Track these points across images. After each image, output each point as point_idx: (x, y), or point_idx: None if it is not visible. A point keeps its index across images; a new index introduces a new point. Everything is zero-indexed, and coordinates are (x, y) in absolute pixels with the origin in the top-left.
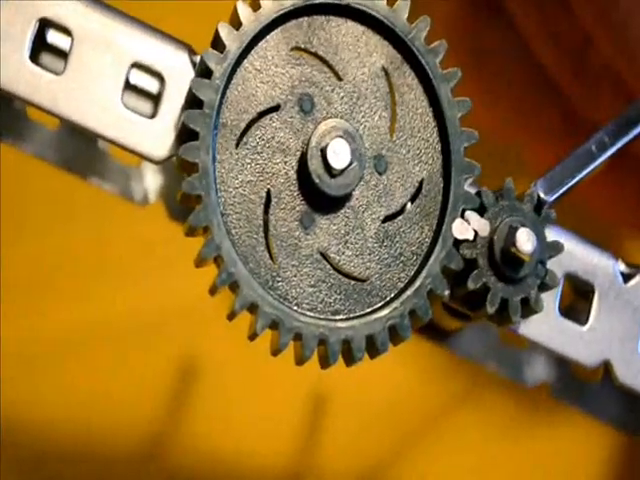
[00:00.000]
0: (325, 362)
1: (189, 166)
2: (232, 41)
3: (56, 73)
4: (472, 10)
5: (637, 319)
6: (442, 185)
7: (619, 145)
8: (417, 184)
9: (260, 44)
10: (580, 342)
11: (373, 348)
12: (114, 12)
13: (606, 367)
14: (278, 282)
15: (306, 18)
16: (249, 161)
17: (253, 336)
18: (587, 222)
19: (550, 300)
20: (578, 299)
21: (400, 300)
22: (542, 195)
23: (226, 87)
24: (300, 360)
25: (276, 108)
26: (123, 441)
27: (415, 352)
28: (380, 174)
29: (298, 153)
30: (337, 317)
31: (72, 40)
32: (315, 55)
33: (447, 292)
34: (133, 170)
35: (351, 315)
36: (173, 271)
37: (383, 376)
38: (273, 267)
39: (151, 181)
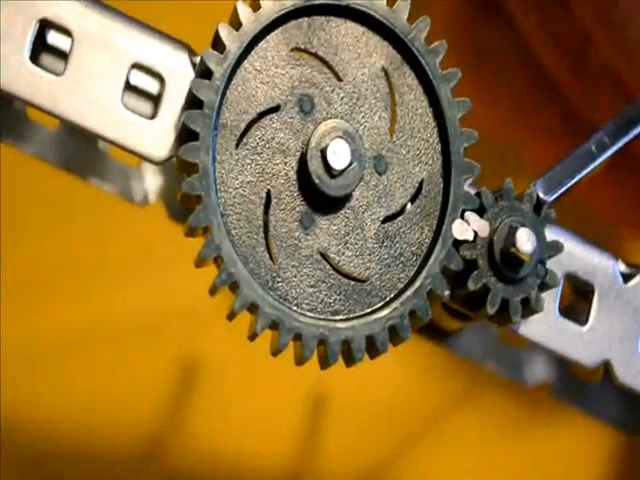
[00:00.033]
0: (325, 362)
1: (189, 166)
2: (232, 41)
3: (56, 74)
4: (471, 10)
5: (637, 319)
6: (442, 185)
7: (619, 145)
8: (417, 184)
9: (260, 45)
10: (580, 342)
11: (373, 348)
12: (114, 13)
13: (606, 367)
14: (278, 282)
15: (306, 19)
16: (249, 161)
17: (253, 336)
18: (587, 222)
19: (550, 300)
20: (578, 299)
21: (400, 300)
22: (541, 195)
23: (226, 88)
24: (300, 360)
25: (276, 109)
26: (123, 441)
27: (415, 352)
28: (380, 174)
29: (298, 154)
30: (337, 317)
31: (72, 41)
32: (315, 56)
33: (447, 292)
34: (133, 171)
35: (351, 315)
36: (173, 271)
37: (383, 376)
38: (273, 267)
39: (151, 182)
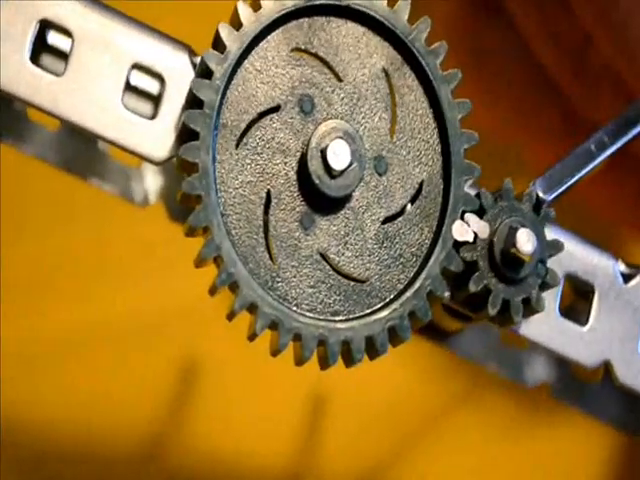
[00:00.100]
0: (324, 363)
1: (189, 166)
2: (232, 41)
3: (56, 74)
4: (472, 10)
5: (637, 319)
6: (442, 186)
7: (618, 145)
8: (417, 185)
9: (261, 45)
10: (580, 342)
11: (372, 349)
12: (115, 13)
13: (606, 367)
14: (278, 282)
15: (307, 19)
16: (249, 161)
17: (253, 336)
18: (587, 222)
19: (550, 300)
20: (578, 299)
21: (400, 301)
22: (541, 194)
23: (226, 87)
24: (300, 361)
25: (276, 109)
26: (123, 441)
27: (415, 353)
28: (380, 175)
29: (298, 154)
30: (337, 318)
31: (72, 41)
32: (315, 56)
33: (447, 293)
34: (133, 171)
35: (351, 316)
36: (173, 272)
37: (383, 377)
38: (273, 268)
39: (151, 182)
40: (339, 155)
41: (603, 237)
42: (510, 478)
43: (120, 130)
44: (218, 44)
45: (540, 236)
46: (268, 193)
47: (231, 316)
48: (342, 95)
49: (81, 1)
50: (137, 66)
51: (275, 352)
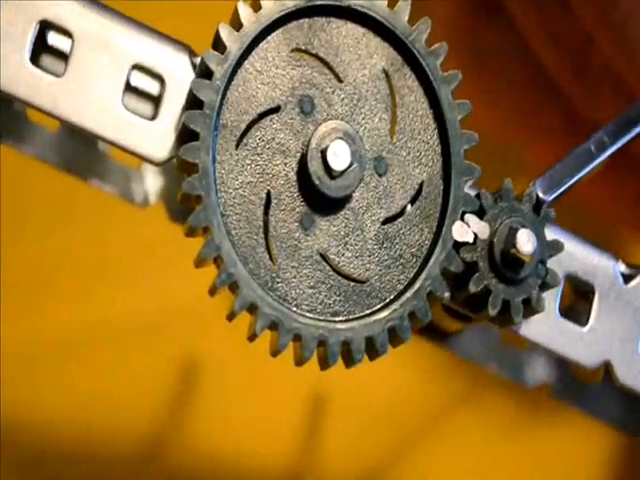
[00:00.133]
0: (324, 363)
1: (189, 166)
2: (233, 42)
3: (56, 75)
4: (472, 10)
5: (637, 320)
6: (442, 187)
7: (619, 145)
8: (417, 186)
9: (261, 45)
10: (580, 343)
11: (372, 349)
12: (115, 14)
13: (606, 368)
14: (278, 283)
15: (307, 19)
16: (249, 162)
17: (253, 337)
18: (587, 222)
19: (550, 301)
20: (578, 300)
21: (400, 302)
22: (541, 195)
23: (226, 88)
24: (300, 361)
25: (276, 109)
26: (123, 441)
27: (415, 353)
28: (380, 176)
29: (298, 154)
30: (337, 318)
31: (73, 42)
32: (316, 57)
33: (447, 294)
34: (133, 172)
35: (350, 316)
36: (173, 272)
37: (383, 377)
38: (273, 268)
39: (151, 183)
40: (339, 156)
41: (603, 237)
42: (510, 478)
43: (120, 131)
44: (218, 44)
45: (540, 236)
46: (268, 194)
47: (231, 316)
48: (342, 96)
49: (81, 2)
50: (137, 67)
51: (275, 352)
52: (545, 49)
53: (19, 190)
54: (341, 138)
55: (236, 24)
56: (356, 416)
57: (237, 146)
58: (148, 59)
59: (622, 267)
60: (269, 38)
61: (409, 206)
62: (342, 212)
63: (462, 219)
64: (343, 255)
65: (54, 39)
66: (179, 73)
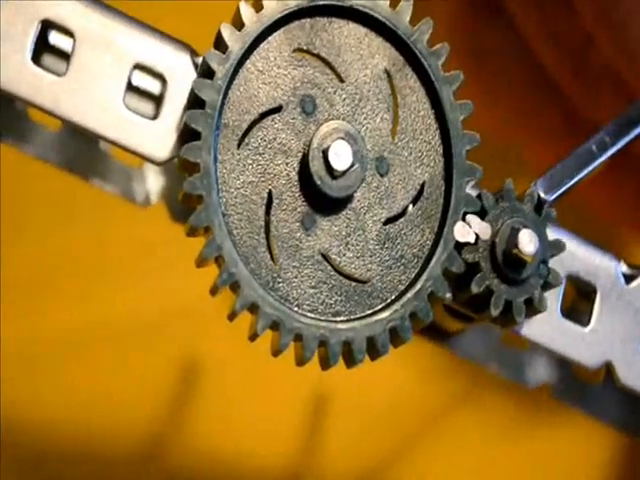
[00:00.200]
0: (326, 363)
1: (191, 166)
2: (234, 42)
3: (58, 74)
4: (472, 10)
5: (639, 320)
6: (443, 188)
7: (619, 145)
8: (418, 186)
9: (262, 45)
10: (582, 343)
11: (374, 350)
12: (116, 13)
13: (608, 368)
14: (279, 283)
15: (309, 19)
16: (251, 162)
17: (254, 337)
18: (588, 223)
19: (552, 301)
20: (580, 300)
21: (401, 302)
22: (542, 194)
23: (228, 87)
24: (301, 361)
25: (278, 109)
26: (123, 441)
27: (415, 353)
28: (382, 176)
29: (300, 154)
30: (338, 318)
31: (74, 41)
32: (317, 56)
33: (448, 294)
34: (135, 171)
35: (352, 317)
36: (173, 272)
37: (383, 377)
38: (274, 268)
39: (153, 182)
40: (341, 156)
41: (604, 238)
42: (510, 478)
43: (122, 130)
44: (220, 44)
45: (542, 236)
46: (269, 193)
47: (232, 316)
48: (344, 96)
49: (83, 1)
50: (139, 66)
51: (276, 352)
52: (545, 49)
53: (19, 190)
54: (343, 138)
55: (238, 24)
56: (357, 416)
57: (239, 146)
58: (150, 59)
59: (624, 267)
60: (271, 38)
61: (410, 206)
62: (343, 212)
63: (464, 220)
64: (344, 255)
65: (56, 38)
66: (181, 73)
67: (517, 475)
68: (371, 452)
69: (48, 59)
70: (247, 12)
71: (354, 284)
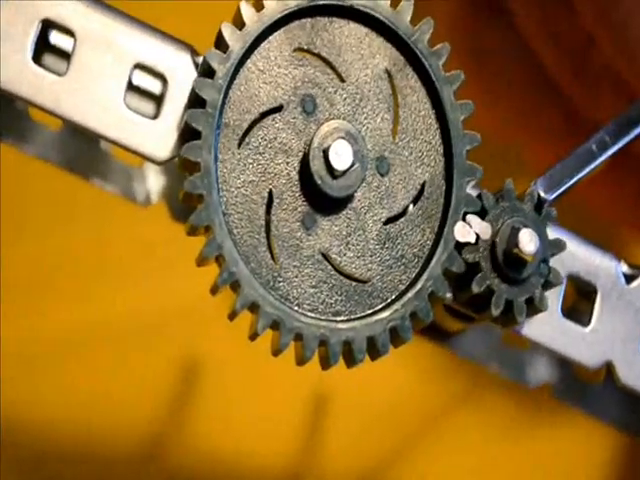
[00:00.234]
0: (326, 363)
1: (191, 165)
2: (235, 41)
3: (59, 74)
4: (472, 10)
5: (639, 320)
6: (444, 187)
7: (620, 145)
8: (419, 186)
9: (263, 45)
10: (582, 343)
11: (374, 349)
12: (117, 13)
13: (608, 368)
14: (279, 282)
15: (309, 19)
16: (251, 161)
17: (254, 336)
18: (588, 223)
19: (553, 301)
20: (580, 300)
21: (401, 302)
22: (542, 194)
23: (229, 87)
24: (301, 361)
25: (279, 109)
26: (123, 441)
27: (416, 353)
28: (382, 176)
29: (300, 154)
30: (338, 318)
31: (75, 41)
32: (318, 56)
33: (449, 294)
34: (135, 171)
35: (352, 316)
36: (173, 271)
37: (384, 377)
38: (274, 267)
39: (153, 182)
40: (341, 155)
41: (604, 238)
42: (510, 478)
43: (122, 130)
44: (221, 43)
45: (542, 236)
46: (270, 193)
47: (232, 316)
48: (344, 95)
49: (83, 1)
50: (139, 66)
51: (276, 352)
52: (545, 49)
53: (19, 190)
54: (343, 138)
55: (239, 23)
56: (357, 416)
57: (239, 145)
58: (150, 58)
59: (624, 267)
60: (271, 37)
61: (411, 206)
62: (344, 212)
63: (464, 219)
64: (345, 255)
65: (56, 38)
66: (181, 72)
67: (518, 475)
68: (371, 452)
69: (49, 59)
70: (248, 12)
71: (354, 284)
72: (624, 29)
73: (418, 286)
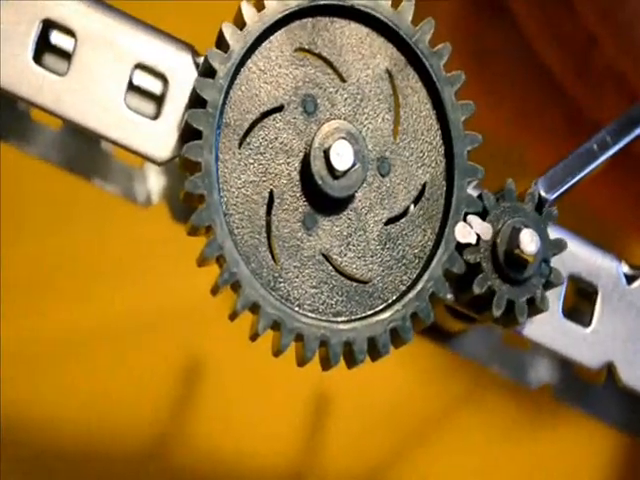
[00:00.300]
0: (326, 364)
1: (192, 165)
2: (236, 41)
3: (59, 74)
4: (474, 10)
5: None
6: (445, 188)
7: (621, 145)
8: (420, 187)
9: (264, 44)
10: (583, 344)
11: (374, 350)
12: (118, 13)
13: (609, 369)
14: (280, 283)
15: (310, 19)
16: (252, 161)
17: (254, 336)
18: (589, 223)
19: (554, 302)
20: (581, 301)
21: (402, 303)
22: (543, 194)
23: (230, 87)
24: (301, 361)
25: (279, 109)
26: (123, 441)
27: (416, 354)
28: (383, 176)
29: (301, 154)
30: (339, 319)
31: (75, 41)
32: (319, 56)
33: (450, 295)
34: (136, 171)
35: (353, 317)
36: (173, 271)
37: (385, 377)
38: (275, 268)
39: (154, 182)
40: (342, 156)
41: (605, 238)
42: (512, 479)
43: (123, 130)
44: (221, 43)
45: (543, 236)
46: (271, 193)
47: (233, 316)
48: (345, 96)
49: (84, 1)
50: (140, 66)
51: (277, 352)
52: (548, 49)
53: (19, 190)
54: (344, 138)
55: (239, 23)
56: (358, 416)
57: (240, 145)
58: (151, 58)
59: (625, 268)
60: (272, 37)
61: (412, 207)
62: (345, 212)
63: (465, 220)
64: (345, 255)
65: (57, 38)
66: (182, 72)
67: (519, 476)
68: (372, 452)
69: (49, 59)
70: (249, 11)
71: (355, 284)
72: (628, 30)
73: (419, 287)
